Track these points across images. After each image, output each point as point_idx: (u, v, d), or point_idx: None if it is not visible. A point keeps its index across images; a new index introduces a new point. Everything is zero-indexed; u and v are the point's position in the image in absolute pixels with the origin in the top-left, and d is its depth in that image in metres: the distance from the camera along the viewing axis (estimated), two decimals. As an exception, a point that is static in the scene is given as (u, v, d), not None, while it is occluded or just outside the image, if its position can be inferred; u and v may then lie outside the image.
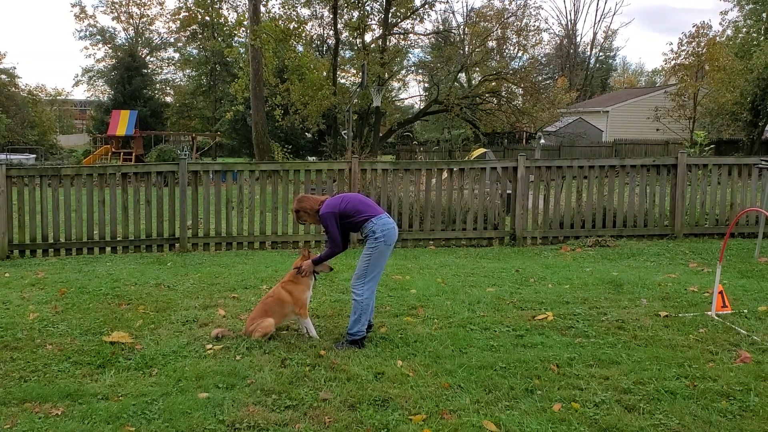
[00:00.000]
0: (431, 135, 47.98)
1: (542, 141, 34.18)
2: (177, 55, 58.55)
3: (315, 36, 41.81)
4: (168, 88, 59.21)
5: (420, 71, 47.96)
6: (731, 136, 31.51)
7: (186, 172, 10.70)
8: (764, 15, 30.09)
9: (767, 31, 28.89)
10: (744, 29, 31.82)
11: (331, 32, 35.84)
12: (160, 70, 59.28)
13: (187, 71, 57.58)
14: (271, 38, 27.64)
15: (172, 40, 57.38)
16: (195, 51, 55.18)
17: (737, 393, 4.42)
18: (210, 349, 5.39)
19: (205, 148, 43.48)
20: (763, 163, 9.30)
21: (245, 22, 30.11)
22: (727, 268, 8.45)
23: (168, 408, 4.28)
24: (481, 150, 24.64)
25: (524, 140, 41.65)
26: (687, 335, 5.63)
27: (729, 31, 33.48)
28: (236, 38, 45.18)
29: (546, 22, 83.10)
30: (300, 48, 34.29)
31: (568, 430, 3.95)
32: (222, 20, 45.27)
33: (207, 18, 46.25)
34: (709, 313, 6.24)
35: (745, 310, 6.34)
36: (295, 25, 31.53)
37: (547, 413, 4.17)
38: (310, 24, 37.12)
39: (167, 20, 61.87)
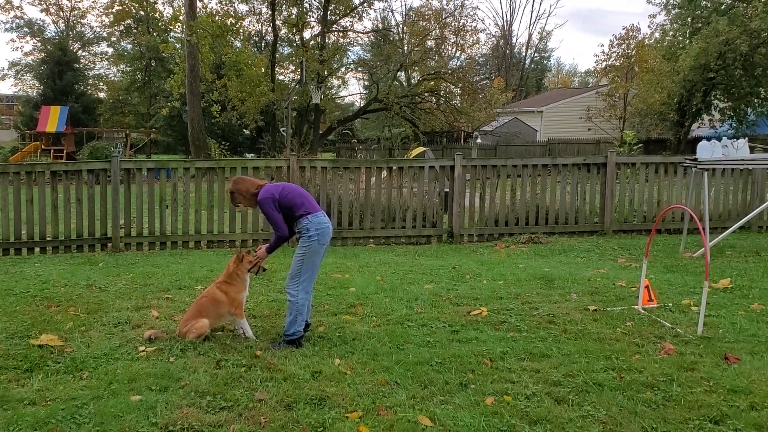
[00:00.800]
0: (372, 133, 48.10)
1: (479, 140, 34.72)
2: (110, 50, 56.83)
3: (253, 32, 41.35)
4: (101, 84, 57.31)
5: (360, 69, 48.02)
6: (659, 135, 32.67)
7: (118, 169, 10.44)
8: (689, 19, 31.26)
9: (692, 34, 29.99)
10: (671, 32, 33.00)
11: (270, 28, 35.49)
12: (92, 65, 57.35)
13: (121, 66, 55.92)
14: (208, 34, 27.19)
15: (105, 34, 55.68)
16: (129, 46, 53.67)
17: (661, 384, 4.61)
18: (143, 351, 5.29)
19: (140, 145, 42.41)
20: (687, 161, 9.69)
21: (181, 17, 29.48)
22: (653, 263, 8.79)
23: (99, 412, 4.19)
24: (421, 149, 24.82)
25: (462, 139, 42.18)
26: (615, 328, 5.84)
27: (657, 34, 34.73)
28: (172, 33, 44.15)
29: (483, 23, 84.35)
30: (238, 44, 33.82)
31: (500, 422, 4.04)
32: (157, 15, 44.19)
33: (141, 12, 45.05)
34: (636, 306, 6.48)
35: (670, 304, 6.61)
36: (233, 21, 31.10)
37: (481, 407, 4.26)
38: (248, 20, 36.66)
39: (100, 14, 60.08)
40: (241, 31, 33.59)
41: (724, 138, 9.67)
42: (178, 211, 10.72)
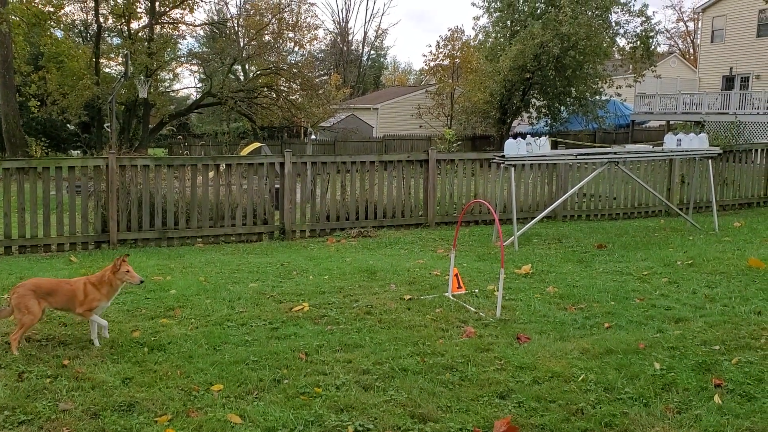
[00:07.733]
0: (209, 127, 46.78)
1: (313, 136, 35.09)
2: None
3: (78, 21, 38.72)
4: None
5: (194, 62, 46.50)
6: (484, 131, 34.70)
7: None
8: (509, 22, 33.40)
9: (511, 36, 32.09)
10: (493, 35, 35.10)
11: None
12: None
13: None
14: (23, 22, 25.19)
15: None
16: (-72, 31, 48.20)
17: (459, 365, 5.01)
18: (-67, 369, 4.91)
19: (-55, 142, 38.38)
20: (497, 158, 10.47)
21: (-11, 2, 27.03)
22: (468, 252, 9.43)
23: None
24: (256, 145, 24.56)
25: (303, 135, 42.25)
26: (425, 315, 6.23)
27: (481, 36, 36.76)
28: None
29: (318, 18, 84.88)
30: (59, 33, 31.60)
31: (308, 413, 4.21)
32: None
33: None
34: (447, 294, 6.95)
35: (477, 290, 7.15)
36: (51, 9, 29.02)
37: (292, 400, 4.40)
38: (70, 7, 34.25)
39: None
40: (62, 20, 31.38)
41: (528, 136, 10.56)
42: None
